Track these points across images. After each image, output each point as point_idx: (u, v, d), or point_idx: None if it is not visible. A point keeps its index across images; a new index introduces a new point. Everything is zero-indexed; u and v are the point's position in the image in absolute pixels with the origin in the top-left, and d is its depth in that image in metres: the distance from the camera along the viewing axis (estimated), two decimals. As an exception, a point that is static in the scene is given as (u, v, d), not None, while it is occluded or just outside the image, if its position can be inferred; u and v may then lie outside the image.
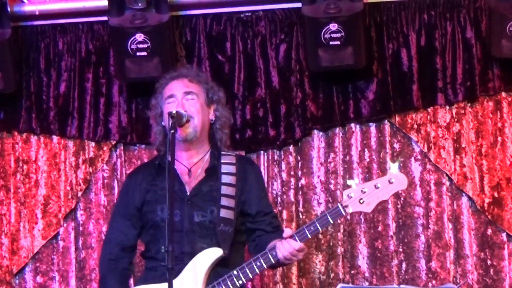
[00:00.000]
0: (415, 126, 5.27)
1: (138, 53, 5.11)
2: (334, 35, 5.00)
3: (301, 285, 5.25)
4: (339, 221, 5.17)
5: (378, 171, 5.25)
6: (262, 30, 5.38)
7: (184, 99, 4.01)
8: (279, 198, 5.33)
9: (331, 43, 5.01)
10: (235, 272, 3.83)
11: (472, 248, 5.18)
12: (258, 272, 3.84)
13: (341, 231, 5.26)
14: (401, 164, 5.13)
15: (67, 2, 5.41)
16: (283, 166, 5.36)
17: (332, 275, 5.25)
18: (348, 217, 5.20)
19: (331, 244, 5.28)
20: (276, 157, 5.37)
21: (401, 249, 5.23)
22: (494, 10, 5.03)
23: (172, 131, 3.81)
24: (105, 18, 5.29)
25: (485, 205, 5.17)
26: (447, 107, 5.26)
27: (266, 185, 4.99)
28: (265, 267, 3.84)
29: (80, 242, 5.40)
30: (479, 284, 5.15)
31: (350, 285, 5.05)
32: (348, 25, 5.00)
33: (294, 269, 5.24)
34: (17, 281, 5.44)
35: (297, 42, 5.33)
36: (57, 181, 5.44)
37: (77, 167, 5.43)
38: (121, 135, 5.41)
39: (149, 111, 4.19)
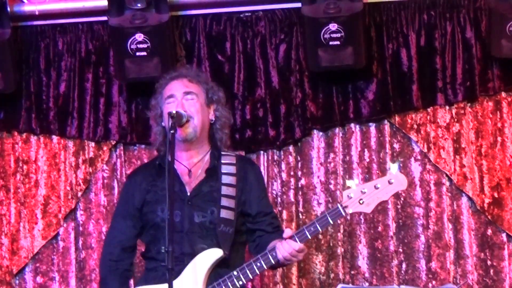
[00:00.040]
0: (415, 126, 5.27)
1: (138, 53, 5.11)
2: (334, 35, 5.00)
3: (301, 285, 5.25)
4: (339, 222, 5.17)
5: (378, 171, 5.25)
6: (262, 30, 5.38)
7: (184, 99, 4.01)
8: (279, 198, 5.33)
9: (331, 43, 5.01)
10: (235, 272, 3.82)
11: (472, 248, 5.17)
12: (258, 272, 3.84)
13: (341, 231, 5.26)
14: (401, 165, 5.13)
15: (67, 2, 5.41)
16: (283, 166, 5.36)
17: (332, 275, 5.25)
18: (348, 217, 5.19)
19: (331, 244, 5.27)
20: (276, 157, 5.37)
21: (401, 250, 5.23)
22: (494, 10, 5.03)
23: (172, 131, 3.80)
24: (105, 18, 5.29)
25: (485, 205, 5.16)
26: (447, 107, 5.26)
27: (266, 185, 4.98)
28: (265, 267, 3.84)
29: (80, 242, 5.40)
30: (479, 285, 5.15)
31: (350, 285, 5.05)
32: (348, 25, 5.00)
33: (294, 270, 5.23)
34: (17, 282, 5.43)
35: (297, 42, 5.32)
36: (57, 181, 5.43)
37: (77, 167, 5.42)
38: (121, 135, 5.41)
39: (149, 112, 4.18)
